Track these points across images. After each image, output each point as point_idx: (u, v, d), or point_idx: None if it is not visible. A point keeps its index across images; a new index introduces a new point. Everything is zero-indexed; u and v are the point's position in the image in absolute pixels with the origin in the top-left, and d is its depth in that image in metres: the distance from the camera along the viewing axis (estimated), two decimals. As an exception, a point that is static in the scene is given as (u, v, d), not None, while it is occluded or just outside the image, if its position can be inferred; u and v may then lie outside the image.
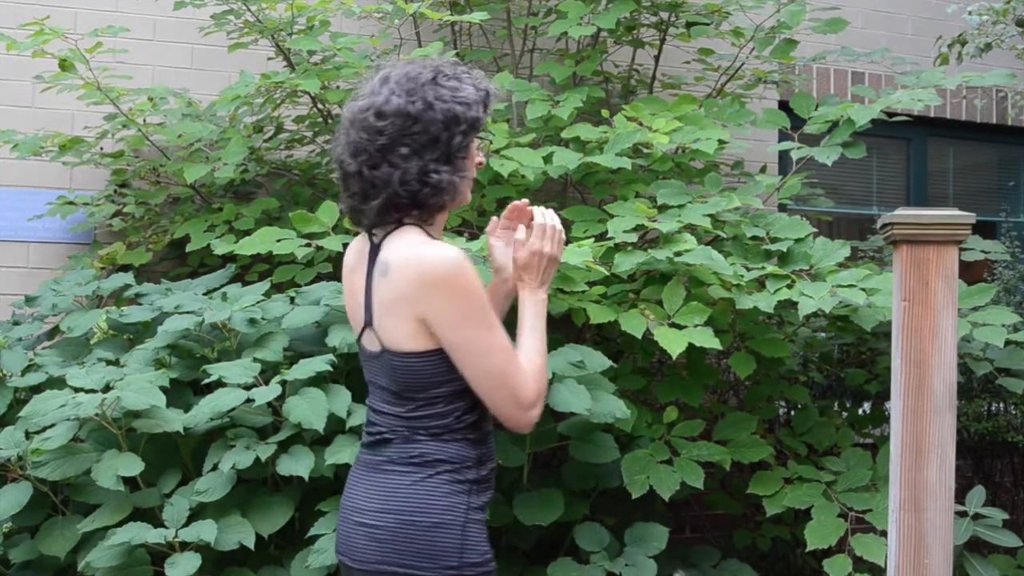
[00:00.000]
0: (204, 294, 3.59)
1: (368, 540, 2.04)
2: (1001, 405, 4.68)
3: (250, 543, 2.98)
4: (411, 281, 2.01)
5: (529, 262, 2.19)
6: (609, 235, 3.41)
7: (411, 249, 2.05)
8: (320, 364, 3.13)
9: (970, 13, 4.62)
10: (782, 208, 5.09)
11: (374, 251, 2.10)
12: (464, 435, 2.10)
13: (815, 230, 3.77)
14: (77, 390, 3.14)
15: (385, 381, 2.10)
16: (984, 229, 5.38)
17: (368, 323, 2.10)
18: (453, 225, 3.86)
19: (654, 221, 3.44)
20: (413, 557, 2.01)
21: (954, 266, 2.60)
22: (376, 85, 2.11)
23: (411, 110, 2.06)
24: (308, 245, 3.45)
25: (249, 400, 3.09)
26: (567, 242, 3.34)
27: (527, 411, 2.06)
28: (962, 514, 3.36)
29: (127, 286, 3.80)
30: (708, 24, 4.49)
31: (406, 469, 2.06)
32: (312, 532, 3.03)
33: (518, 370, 2.04)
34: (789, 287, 3.40)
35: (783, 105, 4.92)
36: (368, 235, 2.14)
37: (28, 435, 3.19)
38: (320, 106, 4.29)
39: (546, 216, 2.22)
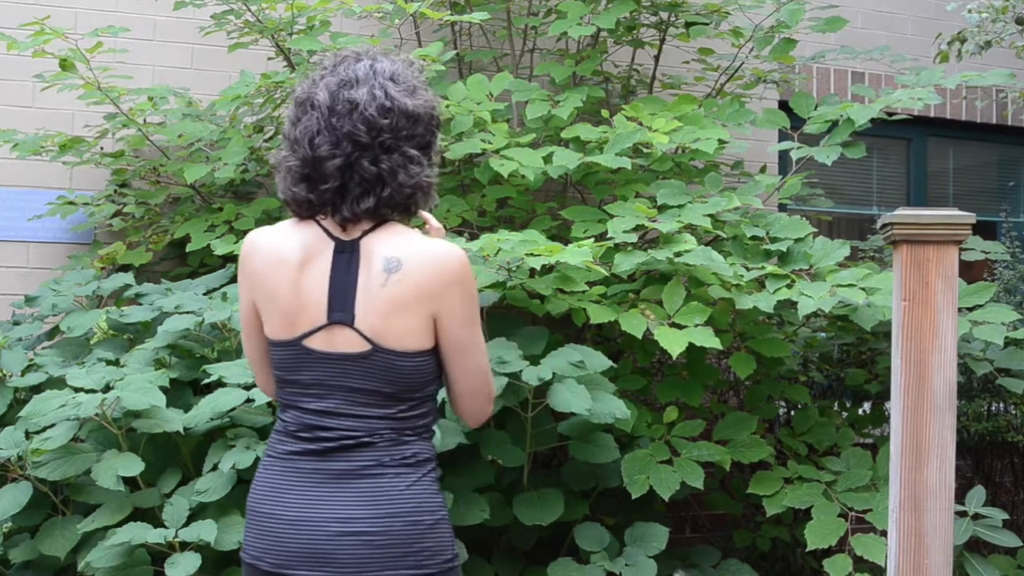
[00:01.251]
0: (204, 294, 3.60)
1: (366, 548, 1.96)
2: (1001, 405, 4.68)
3: (250, 543, 2.98)
4: (435, 277, 1.98)
5: None
6: (609, 235, 3.41)
7: (426, 246, 2.01)
8: (320, 364, 3.12)
9: (970, 11, 4.62)
10: (782, 208, 5.09)
11: (350, 246, 2.01)
12: (432, 432, 2.12)
13: (815, 230, 3.77)
14: (77, 390, 3.14)
15: (370, 383, 2.00)
16: (984, 229, 5.38)
17: (343, 321, 1.98)
18: (453, 225, 3.87)
19: (654, 221, 3.44)
20: (419, 556, 1.98)
21: (954, 266, 2.60)
22: (361, 72, 2.02)
23: (415, 110, 2.02)
24: (308, 245, 3.44)
25: (249, 400, 3.09)
26: (566, 242, 3.35)
27: (491, 406, 2.18)
28: (962, 514, 3.36)
29: (127, 286, 3.80)
30: (707, 24, 4.49)
31: (401, 471, 2.01)
32: (312, 532, 3.03)
33: (489, 367, 2.15)
34: (789, 287, 3.40)
35: (783, 105, 4.92)
36: (324, 227, 2.03)
37: (28, 435, 3.19)
38: (320, 106, 4.28)
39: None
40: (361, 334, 1.99)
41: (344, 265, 2.00)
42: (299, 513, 2.00)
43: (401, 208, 2.03)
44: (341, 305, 1.99)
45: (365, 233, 2.02)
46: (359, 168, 1.99)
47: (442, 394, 2.19)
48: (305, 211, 2.04)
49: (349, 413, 2.01)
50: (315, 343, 2.01)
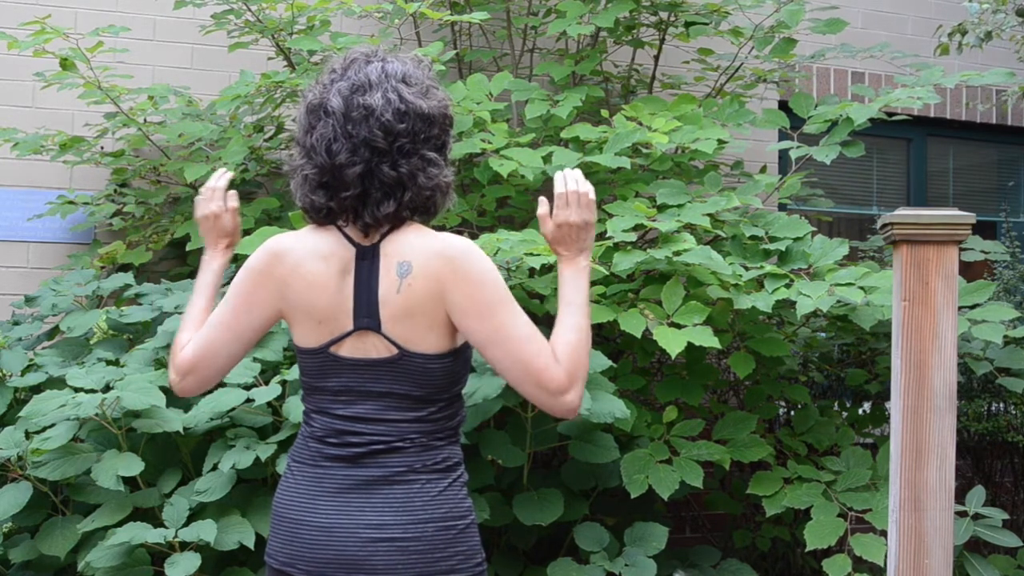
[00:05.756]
0: (204, 294, 3.59)
1: (399, 554, 1.95)
2: (1001, 405, 4.68)
3: (250, 543, 2.98)
4: (435, 273, 1.96)
5: (557, 235, 2.10)
6: (608, 235, 3.41)
7: (428, 242, 1.99)
8: (320, 364, 3.12)
9: (970, 1, 4.62)
10: (782, 208, 5.09)
11: (370, 252, 2.00)
12: (460, 436, 2.11)
13: (814, 229, 3.76)
14: (77, 390, 3.14)
15: (400, 387, 2.00)
16: (984, 229, 5.38)
17: (370, 327, 1.98)
18: (453, 225, 3.87)
19: (653, 221, 3.44)
20: (451, 561, 1.98)
21: (954, 266, 2.60)
22: (373, 76, 2.01)
23: (430, 112, 2.02)
24: (308, 245, 3.44)
25: (249, 400, 3.09)
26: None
27: (556, 397, 1.97)
28: (962, 514, 3.36)
29: (127, 286, 3.80)
30: (707, 24, 4.50)
31: (433, 476, 2.00)
32: (312, 532, 3.03)
33: (540, 354, 1.96)
34: (787, 286, 3.39)
35: (783, 105, 4.92)
36: (344, 233, 2.03)
37: (28, 435, 3.19)
38: (320, 106, 4.28)
39: (568, 181, 2.11)
40: (388, 339, 1.98)
41: (366, 271, 2.00)
42: (331, 519, 1.99)
43: (421, 210, 2.03)
44: (367, 311, 1.99)
45: (383, 237, 2.01)
46: (379, 174, 1.98)
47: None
48: (324, 218, 2.04)
49: (379, 418, 2.01)
50: (343, 350, 2.01)
